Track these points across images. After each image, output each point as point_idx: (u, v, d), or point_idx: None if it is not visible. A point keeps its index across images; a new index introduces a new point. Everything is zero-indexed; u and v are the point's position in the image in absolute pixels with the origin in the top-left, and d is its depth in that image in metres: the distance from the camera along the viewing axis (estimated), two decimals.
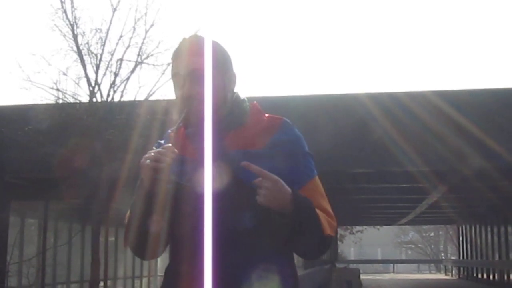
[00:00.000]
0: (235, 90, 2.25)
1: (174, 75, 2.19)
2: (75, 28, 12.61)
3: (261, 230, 2.04)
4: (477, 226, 29.45)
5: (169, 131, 2.26)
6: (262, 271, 2.04)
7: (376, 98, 13.02)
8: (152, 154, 2.00)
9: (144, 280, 24.31)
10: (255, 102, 2.27)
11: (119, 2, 12.71)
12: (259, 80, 70.80)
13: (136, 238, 2.10)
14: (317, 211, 2.07)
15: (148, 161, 1.99)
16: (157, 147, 2.22)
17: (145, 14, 12.70)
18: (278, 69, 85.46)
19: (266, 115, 2.23)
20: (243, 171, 2.01)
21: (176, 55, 2.20)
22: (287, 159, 2.09)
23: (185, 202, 2.06)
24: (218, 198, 1.94)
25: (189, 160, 2.12)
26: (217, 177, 1.98)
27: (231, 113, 2.17)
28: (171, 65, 2.27)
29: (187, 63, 2.13)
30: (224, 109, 2.16)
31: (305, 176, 2.15)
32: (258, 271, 2.04)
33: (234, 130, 2.14)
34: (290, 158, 2.10)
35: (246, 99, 2.25)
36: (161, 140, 2.29)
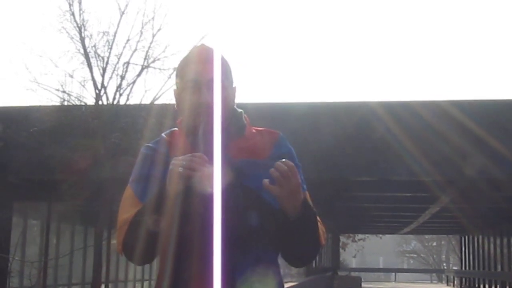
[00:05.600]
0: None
1: (190, 81, 2.18)
2: (82, 30, 12.66)
3: (265, 235, 2.08)
4: (480, 236, 29.38)
5: (163, 135, 2.26)
6: (263, 273, 2.07)
7: (383, 106, 13.01)
8: (184, 162, 1.97)
9: (146, 284, 24.29)
10: (245, 115, 2.31)
11: (127, 5, 12.77)
12: (266, 86, 70.83)
13: (144, 242, 2.07)
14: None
15: (180, 168, 1.97)
16: (148, 152, 2.21)
17: (153, 18, 12.76)
18: (286, 75, 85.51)
19: (259, 128, 2.29)
20: (250, 179, 2.06)
21: (192, 61, 2.20)
22: None
23: (192, 206, 2.05)
24: (226, 204, 1.95)
25: None
26: (225, 184, 1.98)
27: (233, 123, 2.22)
28: (182, 68, 2.26)
29: (205, 71, 2.14)
30: (228, 119, 2.19)
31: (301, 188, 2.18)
32: (259, 273, 2.07)
33: (235, 141, 2.18)
34: None
35: (242, 111, 2.29)
36: (150, 144, 2.28)
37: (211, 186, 1.88)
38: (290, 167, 1.97)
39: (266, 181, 1.97)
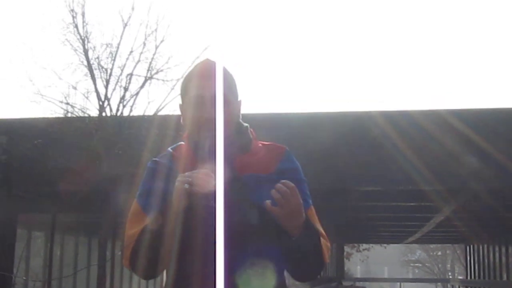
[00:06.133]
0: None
1: (194, 96, 2.20)
2: (86, 42, 12.69)
3: (271, 252, 2.10)
4: (485, 246, 29.27)
5: (170, 149, 2.27)
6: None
7: (388, 116, 13.00)
8: (189, 178, 1.98)
9: None
10: (251, 129, 2.33)
11: (130, 17, 12.81)
12: (270, 97, 70.84)
13: (150, 257, 2.08)
14: (322, 236, 2.16)
15: (186, 185, 1.97)
16: (154, 166, 2.22)
17: (156, 30, 12.79)
18: (291, 86, 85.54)
19: (265, 142, 2.31)
20: (255, 194, 2.08)
21: (196, 76, 2.22)
22: None
23: (197, 221, 2.05)
24: (231, 219, 1.96)
25: None
26: (231, 199, 1.99)
27: (239, 138, 2.23)
28: (186, 84, 2.27)
29: (209, 86, 2.16)
30: (234, 134, 2.21)
31: (306, 203, 2.20)
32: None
33: (241, 156, 2.20)
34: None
35: (248, 125, 2.31)
36: (157, 158, 2.28)
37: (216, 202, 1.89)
38: (290, 188, 1.98)
39: (268, 202, 1.99)
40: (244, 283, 2.05)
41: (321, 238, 2.16)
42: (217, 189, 1.89)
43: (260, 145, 2.29)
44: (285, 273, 2.25)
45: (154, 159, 2.30)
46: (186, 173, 2.01)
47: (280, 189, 1.98)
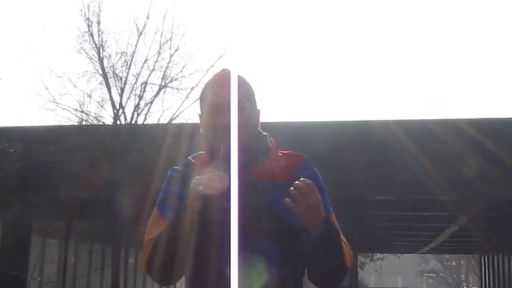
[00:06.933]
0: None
1: (211, 104, 2.23)
2: (101, 51, 12.77)
3: (288, 258, 2.11)
4: (500, 256, 29.04)
5: (190, 158, 2.29)
6: None
7: (403, 125, 12.97)
8: (204, 181, 2.00)
9: None
10: (271, 138, 2.35)
11: (144, 26, 12.88)
12: (283, 106, 70.83)
13: (167, 262, 2.10)
14: (343, 241, 2.15)
15: (200, 187, 2.00)
16: (174, 174, 2.25)
17: (170, 38, 12.85)
18: (304, 95, 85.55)
19: (284, 151, 2.33)
20: (273, 201, 2.09)
21: (213, 85, 2.25)
22: None
23: (212, 223, 2.07)
24: (249, 226, 1.96)
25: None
26: (249, 207, 2.00)
27: (258, 146, 2.25)
28: (204, 93, 2.29)
29: (226, 94, 2.16)
30: (252, 142, 2.22)
31: (326, 210, 2.19)
32: None
33: (260, 164, 2.22)
34: None
35: (267, 134, 2.33)
36: (177, 166, 2.31)
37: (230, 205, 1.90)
38: (308, 184, 1.99)
39: (287, 200, 2.00)
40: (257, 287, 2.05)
41: (343, 241, 2.16)
42: (231, 192, 1.90)
43: (280, 154, 2.31)
44: (304, 281, 2.25)
45: (174, 167, 2.34)
46: (201, 176, 2.04)
47: (297, 185, 1.99)
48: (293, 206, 2.00)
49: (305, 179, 2.02)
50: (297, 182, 2.00)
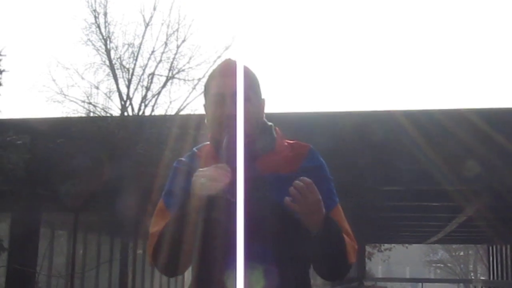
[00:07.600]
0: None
1: (215, 94, 2.22)
2: (108, 42, 12.79)
3: (295, 249, 2.11)
4: (508, 246, 28.99)
5: (195, 149, 2.29)
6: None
7: (409, 115, 12.94)
8: (207, 172, 2.01)
9: None
10: (277, 127, 2.33)
11: (151, 17, 12.88)
12: (290, 97, 70.79)
13: (173, 253, 2.11)
14: (345, 237, 2.14)
15: (202, 179, 2.00)
16: (179, 166, 2.25)
17: (177, 29, 12.85)
18: (308, 85, 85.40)
19: (290, 141, 2.31)
20: (278, 194, 2.07)
21: (217, 75, 2.24)
22: (317, 185, 2.10)
23: (215, 215, 2.07)
24: (253, 219, 1.96)
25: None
26: (253, 199, 2.00)
27: (262, 137, 2.24)
28: (208, 83, 2.29)
29: (230, 84, 2.17)
30: (256, 132, 2.21)
31: (332, 201, 2.21)
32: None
33: (265, 154, 2.21)
34: (318, 184, 2.11)
35: (272, 124, 2.31)
36: (182, 158, 2.31)
37: (234, 197, 1.91)
38: (307, 184, 1.98)
39: (287, 198, 2.00)
40: (262, 279, 2.06)
41: (345, 237, 2.15)
42: (237, 184, 1.91)
43: (286, 143, 2.29)
44: (311, 273, 2.25)
45: (179, 159, 2.34)
46: (204, 168, 2.04)
47: (297, 185, 1.99)
48: (292, 206, 2.00)
49: (305, 178, 2.01)
50: (296, 181, 2.00)
